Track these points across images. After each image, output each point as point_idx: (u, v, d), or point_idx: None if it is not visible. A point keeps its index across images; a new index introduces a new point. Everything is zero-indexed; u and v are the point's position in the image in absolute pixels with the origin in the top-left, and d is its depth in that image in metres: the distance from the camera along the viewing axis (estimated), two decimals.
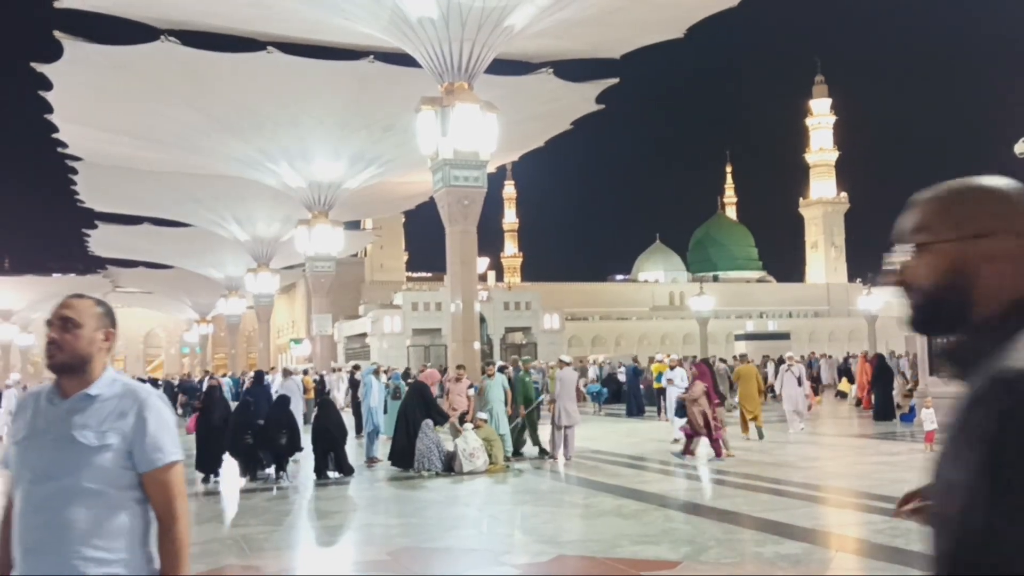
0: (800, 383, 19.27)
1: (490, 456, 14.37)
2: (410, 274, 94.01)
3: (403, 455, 14.08)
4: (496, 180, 27.40)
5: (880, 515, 9.60)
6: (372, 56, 31.04)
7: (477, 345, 25.21)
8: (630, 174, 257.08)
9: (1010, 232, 1.28)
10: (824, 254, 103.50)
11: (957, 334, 1.32)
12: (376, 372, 18.48)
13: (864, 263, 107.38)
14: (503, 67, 29.73)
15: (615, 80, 35.88)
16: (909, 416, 21.12)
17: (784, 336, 68.28)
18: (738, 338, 67.07)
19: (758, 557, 7.73)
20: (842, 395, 30.74)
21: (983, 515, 1.08)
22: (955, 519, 1.13)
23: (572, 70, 34.64)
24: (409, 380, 18.67)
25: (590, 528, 9.55)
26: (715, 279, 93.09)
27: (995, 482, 1.08)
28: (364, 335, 60.87)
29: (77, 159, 40.34)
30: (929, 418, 14.94)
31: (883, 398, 22.06)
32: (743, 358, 20.91)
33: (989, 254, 1.28)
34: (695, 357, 28.76)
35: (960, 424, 1.17)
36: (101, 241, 59.06)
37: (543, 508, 11.08)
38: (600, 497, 11.59)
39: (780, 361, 28.18)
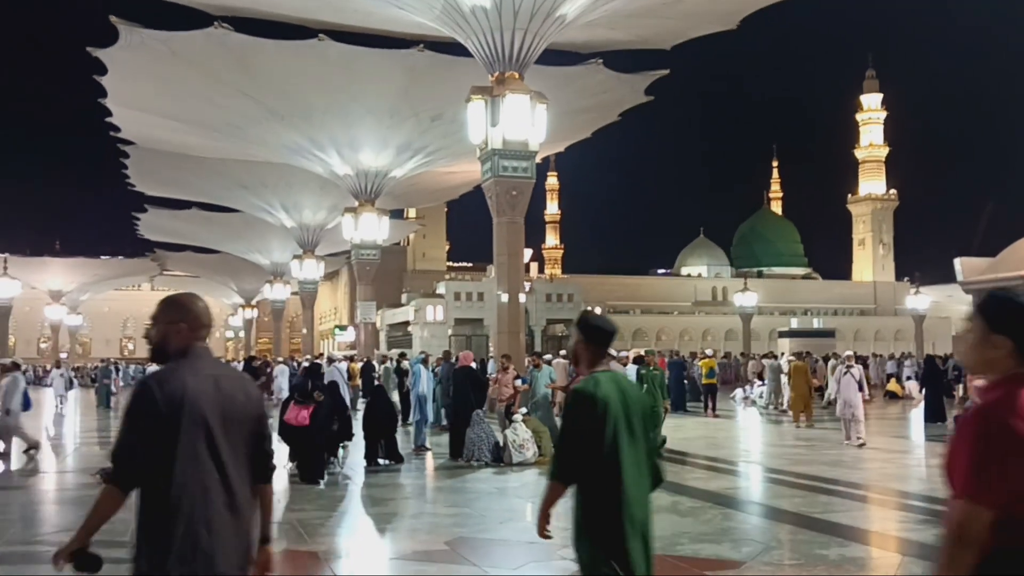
0: (861, 387, 17.20)
1: (539, 448, 14.33)
2: (451, 263, 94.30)
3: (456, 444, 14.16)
4: (539, 171, 27.59)
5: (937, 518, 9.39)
6: (422, 45, 31.05)
7: (523, 336, 25.17)
8: (674, 167, 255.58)
9: None
10: (872, 252, 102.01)
11: None
12: (424, 361, 18.47)
13: (913, 262, 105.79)
14: (553, 57, 29.58)
15: (665, 71, 35.57)
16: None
17: (829, 334, 67.42)
18: (782, 335, 66.31)
19: (823, 559, 7.57)
20: (892, 396, 30.25)
21: None
22: None
23: (621, 61, 34.40)
24: (452, 363, 18.64)
25: None
26: (759, 275, 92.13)
27: None
28: (406, 323, 61.24)
29: (129, 143, 40.89)
30: None
31: (934, 400, 21.65)
32: (799, 356, 21.05)
33: None
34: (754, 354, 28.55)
35: None
36: (150, 225, 59.92)
37: None
38: (653, 493, 11.45)
39: (827, 359, 27.85)
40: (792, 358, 25.70)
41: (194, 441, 3.04)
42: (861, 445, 15.85)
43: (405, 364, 19.90)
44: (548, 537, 4.01)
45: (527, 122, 24.24)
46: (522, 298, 25.79)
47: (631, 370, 15.77)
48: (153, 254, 72.52)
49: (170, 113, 35.97)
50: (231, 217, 54.55)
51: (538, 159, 26.14)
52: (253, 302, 78.42)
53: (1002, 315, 2.48)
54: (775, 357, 28.33)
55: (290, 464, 13.33)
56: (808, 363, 24.31)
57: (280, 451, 13.69)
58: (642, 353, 17.82)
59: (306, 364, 14.52)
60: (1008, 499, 2.27)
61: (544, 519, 3.95)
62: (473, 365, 14.44)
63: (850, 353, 18.77)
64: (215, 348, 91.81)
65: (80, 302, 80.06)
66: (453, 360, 17.66)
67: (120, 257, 79.84)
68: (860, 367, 18.40)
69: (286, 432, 12.67)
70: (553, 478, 3.87)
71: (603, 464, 3.74)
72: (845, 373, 17.10)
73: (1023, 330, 2.43)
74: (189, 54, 30.83)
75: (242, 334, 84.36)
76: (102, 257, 79.92)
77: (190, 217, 55.78)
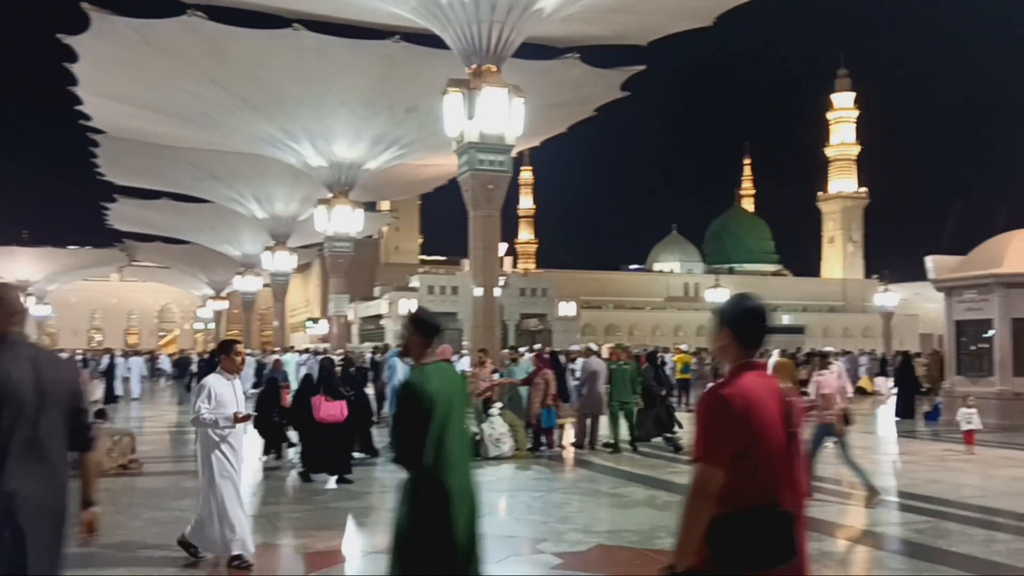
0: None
1: (516, 441, 14.33)
2: (424, 257, 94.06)
3: None
4: (514, 165, 27.64)
5: (918, 515, 9.50)
6: (398, 36, 30.84)
7: (498, 330, 25.14)
8: (647, 163, 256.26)
9: None
10: (841, 249, 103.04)
11: None
12: (401, 355, 18.35)
13: (882, 259, 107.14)
14: (529, 51, 29.48)
15: (641, 67, 35.57)
16: (933, 415, 21.00)
17: (799, 330, 68.11)
18: None
19: None
20: (862, 392, 30.55)
21: None
22: None
23: (597, 56, 34.38)
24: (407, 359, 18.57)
25: (624, 518, 9.46)
26: (731, 271, 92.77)
27: None
28: (379, 317, 60.99)
29: (100, 132, 40.31)
30: (967, 418, 14.76)
31: (907, 397, 21.92)
32: (783, 353, 20.95)
33: None
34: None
35: None
36: (120, 214, 59.16)
37: (574, 496, 10.99)
38: (630, 487, 11.51)
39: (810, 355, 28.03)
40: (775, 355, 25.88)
41: (13, 419, 3.46)
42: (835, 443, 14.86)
43: (380, 357, 19.77)
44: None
45: (504, 116, 24.15)
46: (497, 292, 25.75)
47: (601, 365, 15.78)
48: (122, 244, 71.59)
49: (142, 102, 35.48)
50: (202, 208, 53.98)
51: (514, 153, 26.07)
52: (223, 294, 77.71)
53: (725, 313, 3.20)
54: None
55: (290, 459, 13.19)
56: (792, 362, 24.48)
57: (256, 443, 13.59)
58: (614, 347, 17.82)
59: (325, 359, 14.05)
60: (731, 458, 2.92)
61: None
62: (452, 359, 14.34)
63: (831, 348, 18.03)
64: (183, 340, 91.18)
65: (47, 292, 78.93)
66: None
67: (88, 247, 78.67)
68: (841, 363, 16.31)
69: (316, 430, 11.79)
70: (406, 467, 4.28)
71: (433, 444, 4.20)
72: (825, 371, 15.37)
73: (739, 324, 3.15)
74: (162, 42, 30.41)
75: (212, 326, 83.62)
76: (70, 247, 78.69)
77: (160, 207, 55.11)
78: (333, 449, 11.86)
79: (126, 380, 30.04)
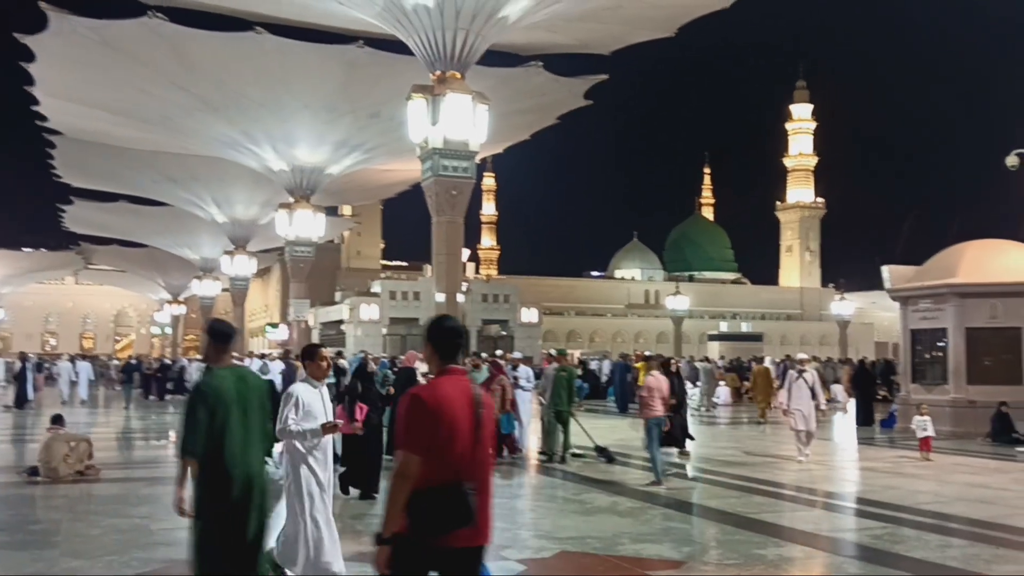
0: (815, 395, 14.70)
1: None
2: (386, 262, 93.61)
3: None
4: (476, 171, 27.71)
5: (876, 520, 9.65)
6: (362, 41, 30.77)
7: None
8: (609, 171, 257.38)
9: None
10: (799, 258, 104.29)
11: None
12: (364, 360, 18.28)
13: (838, 269, 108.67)
14: (493, 58, 29.60)
15: (604, 76, 35.87)
16: (888, 422, 21.34)
17: (757, 338, 68.84)
18: (711, 338, 67.50)
19: (761, 559, 7.71)
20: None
21: None
22: None
23: (561, 64, 34.61)
24: (395, 369, 18.51)
25: (588, 524, 9.49)
26: (691, 279, 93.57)
27: None
28: (340, 322, 60.62)
29: (56, 133, 39.70)
30: (922, 425, 15.01)
31: (864, 404, 22.25)
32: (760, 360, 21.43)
33: None
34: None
35: None
36: (76, 217, 58.29)
37: (538, 503, 11.02)
38: (593, 493, 11.55)
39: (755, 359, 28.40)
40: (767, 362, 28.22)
41: None
42: (800, 461, 14.24)
43: (343, 363, 19.63)
44: (182, 513, 4.96)
45: (468, 122, 24.22)
46: (460, 298, 25.76)
47: (549, 369, 15.89)
48: (78, 247, 70.49)
49: (100, 103, 35.03)
50: (160, 211, 53.37)
51: (477, 159, 26.12)
52: (181, 298, 76.80)
53: (428, 330, 4.01)
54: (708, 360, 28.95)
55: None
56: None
57: None
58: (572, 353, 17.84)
59: (363, 360, 13.56)
60: (428, 446, 3.64)
61: (179, 494, 4.98)
62: (417, 366, 14.23)
63: (804, 356, 16.52)
64: (140, 345, 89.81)
65: (1, 295, 77.46)
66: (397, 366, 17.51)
67: (43, 250, 77.37)
68: (814, 371, 15.91)
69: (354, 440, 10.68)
70: (182, 455, 4.91)
71: (215, 438, 4.87)
72: (797, 378, 14.79)
73: (437, 340, 3.96)
74: (121, 43, 30.07)
75: (169, 331, 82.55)
76: (25, 249, 77.30)
77: (117, 210, 54.33)
78: (371, 461, 11.00)
79: (74, 384, 30.60)
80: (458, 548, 3.70)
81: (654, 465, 11.93)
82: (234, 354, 4.45)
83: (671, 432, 15.05)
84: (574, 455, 15.03)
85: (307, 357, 6.96)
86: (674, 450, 15.23)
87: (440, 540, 3.65)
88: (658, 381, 12.23)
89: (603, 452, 14.58)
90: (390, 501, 3.69)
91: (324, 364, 6.84)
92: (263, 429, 5.22)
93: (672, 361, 17.22)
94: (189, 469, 4.89)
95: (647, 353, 25.72)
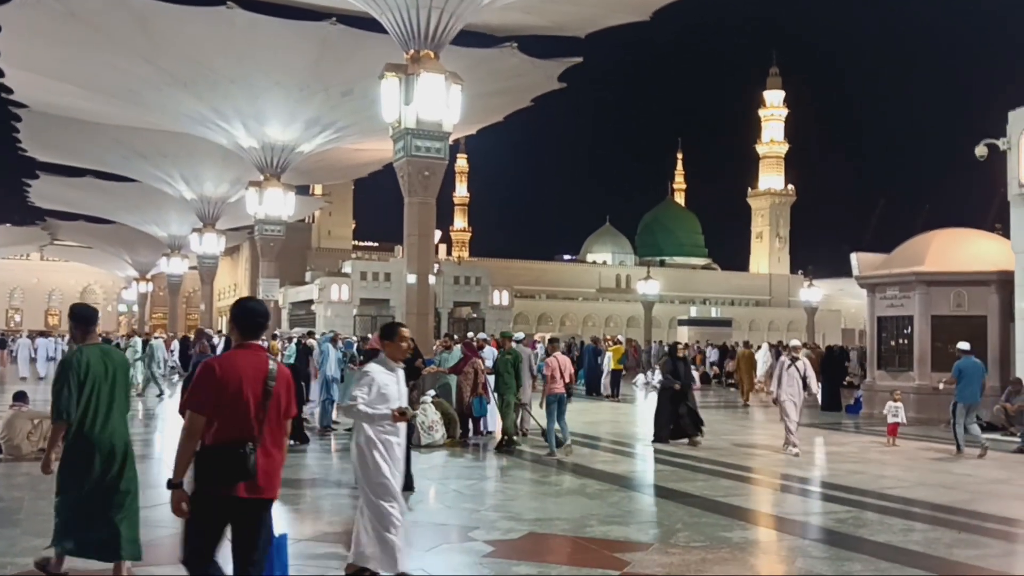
0: (806, 384, 14.10)
1: (448, 429, 14.32)
2: (357, 243, 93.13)
3: None
4: (449, 152, 27.53)
5: (841, 504, 9.75)
6: (335, 18, 30.39)
7: (432, 318, 25.06)
8: (582, 155, 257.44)
9: None
10: (768, 245, 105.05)
11: None
12: (333, 340, 18.19)
13: (807, 255, 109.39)
14: (467, 39, 29.33)
15: (578, 59, 35.71)
16: (854, 407, 21.59)
17: (727, 323, 69.32)
18: (681, 323, 67.83)
19: (727, 542, 7.76)
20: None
21: None
22: None
23: (536, 46, 34.39)
24: (365, 348, 18.41)
25: (556, 506, 9.52)
26: (662, 264, 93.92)
27: None
28: (310, 302, 60.23)
29: (22, 106, 38.94)
30: (894, 411, 15.16)
31: (831, 389, 22.49)
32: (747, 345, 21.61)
33: None
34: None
35: None
36: (41, 192, 57.28)
37: (507, 484, 11.03)
38: (561, 476, 11.59)
39: (727, 345, 28.48)
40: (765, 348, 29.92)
41: None
42: (796, 455, 13.52)
43: (311, 342, 19.52)
44: (48, 472, 6.08)
45: (441, 102, 23.97)
46: (431, 280, 25.62)
47: (488, 353, 16.55)
48: (44, 223, 69.33)
49: (67, 76, 34.33)
50: (127, 187, 52.54)
51: (451, 140, 25.92)
52: (148, 275, 75.90)
53: (232, 310, 4.66)
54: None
55: None
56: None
57: None
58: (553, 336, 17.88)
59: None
60: (212, 408, 4.29)
61: (48, 457, 6.12)
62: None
63: (796, 343, 15.56)
64: (106, 322, 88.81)
65: None
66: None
67: (8, 225, 76.01)
68: (806, 359, 14.97)
69: None
70: (57, 420, 5.87)
71: (81, 406, 5.87)
72: (789, 366, 14.06)
73: (238, 317, 4.58)
74: (88, 15, 29.45)
75: (136, 308, 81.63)
76: None
77: (84, 185, 53.44)
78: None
79: (33, 361, 30.63)
80: (241, 499, 4.29)
81: (549, 437, 13.21)
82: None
83: (680, 423, 14.90)
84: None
85: (386, 336, 6.38)
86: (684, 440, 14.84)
87: (223, 491, 4.26)
88: (558, 361, 13.64)
89: (510, 443, 13.91)
90: (178, 453, 4.34)
91: (404, 345, 6.32)
92: (126, 400, 6.20)
93: (679, 346, 16.97)
94: (58, 432, 5.88)
95: (549, 336, 25.70)
